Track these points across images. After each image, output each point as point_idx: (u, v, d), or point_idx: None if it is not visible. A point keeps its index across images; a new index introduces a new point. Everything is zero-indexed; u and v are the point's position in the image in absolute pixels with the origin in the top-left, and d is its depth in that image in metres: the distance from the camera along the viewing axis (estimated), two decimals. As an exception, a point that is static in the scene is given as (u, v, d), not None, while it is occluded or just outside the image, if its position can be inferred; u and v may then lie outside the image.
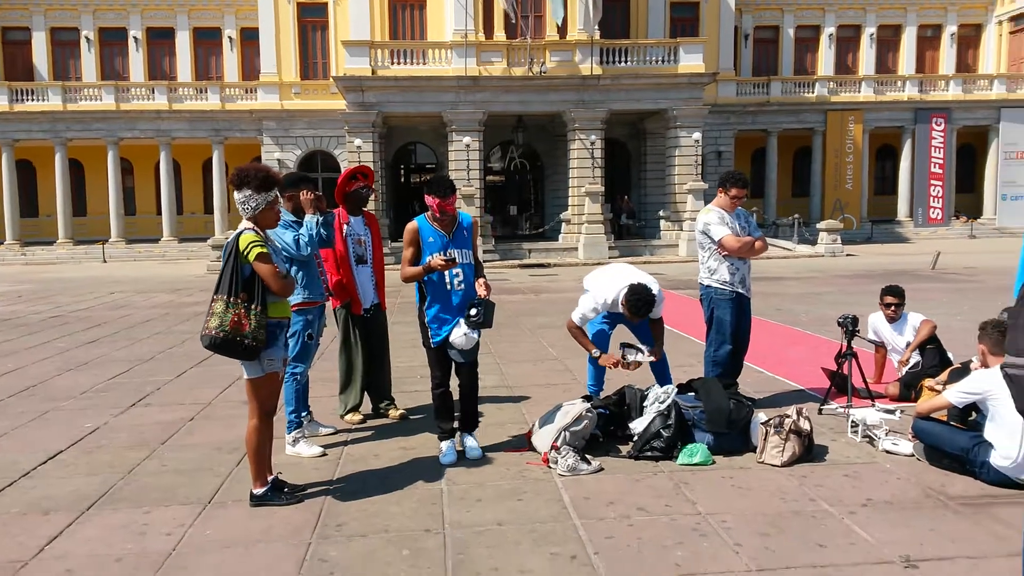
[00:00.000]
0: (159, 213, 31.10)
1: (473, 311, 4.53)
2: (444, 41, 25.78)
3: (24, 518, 4.03)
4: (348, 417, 5.73)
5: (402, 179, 31.54)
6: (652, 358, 5.42)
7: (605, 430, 5.05)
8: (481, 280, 4.65)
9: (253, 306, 3.86)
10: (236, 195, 3.99)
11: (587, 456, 4.63)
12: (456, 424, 4.95)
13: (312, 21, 29.75)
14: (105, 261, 28.13)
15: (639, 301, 5.12)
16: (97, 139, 29.91)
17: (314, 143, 30.21)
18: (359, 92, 24.63)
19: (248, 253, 3.87)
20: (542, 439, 4.78)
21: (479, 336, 4.71)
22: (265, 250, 3.90)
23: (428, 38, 27.32)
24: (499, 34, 25.63)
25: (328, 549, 3.58)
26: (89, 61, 31.84)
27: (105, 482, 4.54)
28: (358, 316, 5.67)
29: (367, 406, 5.95)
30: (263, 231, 4.03)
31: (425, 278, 4.64)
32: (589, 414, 4.83)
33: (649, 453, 4.71)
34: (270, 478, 4.17)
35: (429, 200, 4.62)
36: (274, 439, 4.24)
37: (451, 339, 4.61)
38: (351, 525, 3.85)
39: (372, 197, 5.80)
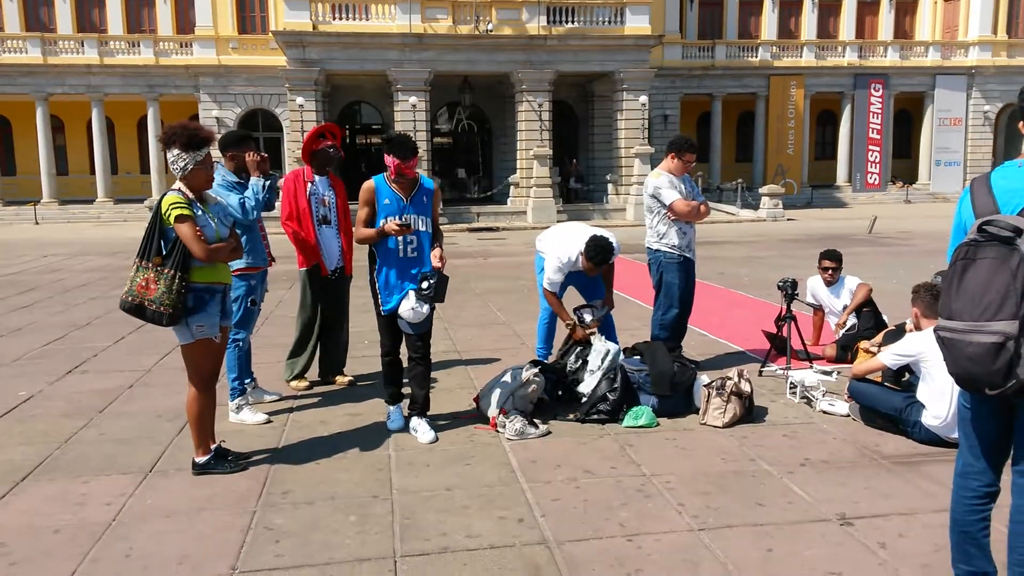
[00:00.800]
0: (93, 173, 29.88)
1: (425, 284, 4.33)
2: (389, -4, 25.13)
3: (-47, 491, 3.88)
4: (294, 383, 5.64)
5: (347, 139, 30.91)
6: (607, 308, 5.51)
7: (552, 394, 5.10)
8: (436, 251, 4.44)
9: (166, 270, 3.71)
10: (167, 155, 3.84)
11: (535, 420, 4.67)
12: (405, 396, 4.75)
13: (250, -28, 28.67)
14: (37, 223, 27.00)
15: (600, 249, 5.16)
16: (24, 95, 28.46)
17: (254, 101, 29.31)
18: (300, 48, 23.92)
19: (168, 215, 3.73)
20: (490, 404, 4.80)
21: (430, 310, 4.45)
22: (187, 211, 3.73)
23: (373, -6, 26.57)
24: (445, -10, 25.10)
25: (274, 517, 3.54)
26: (11, 11, 30.09)
27: (40, 452, 4.40)
28: (319, 279, 5.50)
29: (314, 373, 5.85)
30: (195, 192, 3.88)
31: (378, 242, 4.45)
32: (536, 378, 4.86)
33: (595, 416, 4.77)
34: (213, 446, 4.10)
35: (388, 160, 4.35)
36: (218, 406, 4.17)
37: (400, 312, 4.41)
38: (297, 492, 3.82)
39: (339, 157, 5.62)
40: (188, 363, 3.95)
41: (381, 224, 4.35)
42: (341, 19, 24.46)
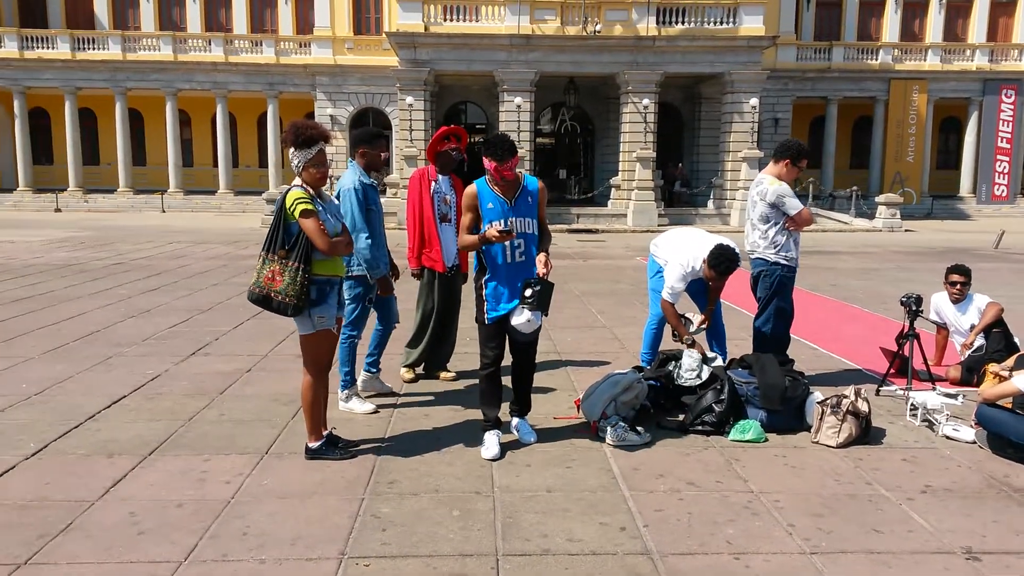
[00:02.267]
0: (215, 165, 31.62)
1: (528, 292, 4.12)
2: (498, -2, 25.41)
3: (89, 460, 4.18)
4: (403, 372, 5.79)
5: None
6: (705, 325, 5.40)
7: (655, 401, 5.02)
8: (542, 256, 4.22)
9: (291, 263, 3.87)
10: (289, 153, 4.02)
11: (637, 427, 4.60)
12: (503, 411, 4.56)
13: (366, -25, 29.60)
14: (164, 211, 28.78)
15: (725, 259, 5.02)
16: (155, 90, 30.39)
17: (366, 99, 30.25)
18: (411, 49, 24.49)
19: (293, 210, 3.89)
20: (591, 407, 4.76)
21: (541, 319, 4.25)
22: (311, 207, 3.89)
23: (483, -5, 26.94)
24: (555, -9, 25.16)
25: (380, 506, 3.64)
26: (148, 11, 32.18)
27: (167, 428, 4.68)
28: (435, 275, 5.66)
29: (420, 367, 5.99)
30: (314, 188, 4.03)
31: (483, 248, 4.25)
32: (639, 384, 4.80)
33: (700, 427, 4.67)
34: (325, 433, 4.25)
35: (487, 163, 4.18)
36: (329, 394, 4.32)
37: (513, 323, 4.20)
38: (403, 483, 3.91)
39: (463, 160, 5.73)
40: (306, 352, 4.11)
41: (484, 230, 4.16)
42: (452, 20, 24.91)
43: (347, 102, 30.17)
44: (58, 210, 28.72)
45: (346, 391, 5.12)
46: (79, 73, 30.05)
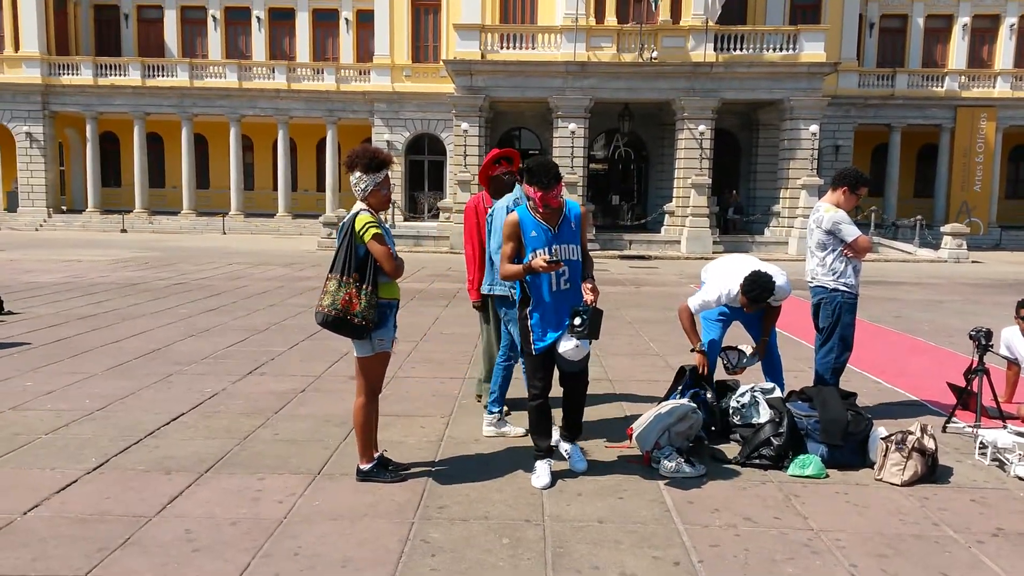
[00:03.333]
0: (275, 189, 32.48)
1: (577, 320, 4.02)
2: (554, 25, 25.64)
3: (147, 475, 4.26)
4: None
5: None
6: (757, 358, 5.29)
7: (710, 432, 4.91)
8: (588, 284, 4.13)
9: (364, 286, 3.94)
10: (350, 177, 4.07)
11: (691, 459, 4.50)
12: (555, 438, 4.51)
13: (425, 4, 30.22)
14: (224, 233, 29.63)
15: (756, 285, 5.00)
16: (220, 115, 31.45)
17: (422, 126, 30.76)
18: (468, 76, 24.84)
19: (364, 234, 3.95)
20: (645, 437, 4.67)
21: (590, 346, 4.19)
22: (380, 231, 3.97)
23: (538, 22, 27.26)
24: (610, 18, 25.27)
25: (430, 530, 3.62)
26: (215, 40, 33.42)
27: (223, 447, 4.76)
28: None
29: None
30: (378, 211, 4.10)
31: (528, 278, 4.16)
32: (695, 415, 4.69)
33: (757, 460, 4.54)
34: (376, 455, 4.27)
35: (530, 191, 4.06)
36: (385, 416, 4.34)
37: (560, 351, 4.12)
38: (452, 508, 3.89)
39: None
40: (362, 373, 4.14)
41: (529, 259, 4.07)
42: (508, 48, 25.20)
43: (403, 128, 30.72)
44: (124, 231, 29.83)
45: (495, 414, 5.11)
46: (148, 99, 31.32)
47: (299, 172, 34.00)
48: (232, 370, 6.84)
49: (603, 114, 26.39)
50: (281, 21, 33.56)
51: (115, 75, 31.41)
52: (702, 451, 4.73)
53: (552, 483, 4.23)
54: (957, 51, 31.73)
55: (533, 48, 25.27)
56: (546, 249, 4.06)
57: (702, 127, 24.70)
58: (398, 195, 30.21)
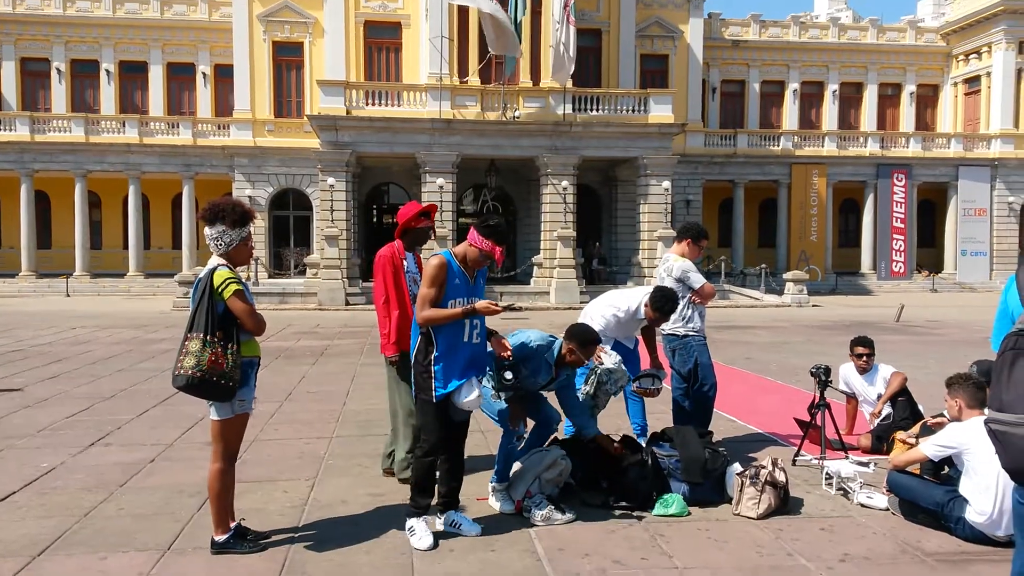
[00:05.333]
0: (126, 247, 30.61)
1: (509, 374, 4.21)
2: (419, 84, 26.03)
3: (-31, 565, 3.81)
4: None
5: (374, 219, 31.51)
6: (663, 375, 5.57)
7: (583, 478, 4.96)
8: (498, 339, 4.28)
9: (230, 345, 3.76)
10: (208, 230, 3.89)
11: (561, 505, 4.54)
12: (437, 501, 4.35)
13: (288, 60, 29.92)
14: (69, 295, 27.50)
15: (667, 299, 5.36)
16: (65, 171, 29.49)
17: (287, 180, 30.12)
18: (333, 131, 24.69)
19: (223, 290, 3.78)
20: (516, 487, 4.68)
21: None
22: (240, 287, 3.82)
23: (403, 80, 27.60)
24: (473, 79, 25.97)
25: (293, 601, 3.43)
26: (59, 93, 31.52)
27: (60, 526, 4.34)
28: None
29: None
30: (237, 266, 3.95)
31: (439, 327, 4.09)
32: (563, 460, 4.74)
33: (623, 503, 4.63)
34: (232, 524, 4.01)
35: (485, 244, 4.10)
36: (243, 483, 4.10)
37: (462, 400, 4.09)
38: (316, 575, 3.70)
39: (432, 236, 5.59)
40: (220, 437, 3.91)
41: (471, 304, 4.07)
42: (374, 105, 25.29)
43: (266, 183, 29.96)
44: (-49, 295, 27.09)
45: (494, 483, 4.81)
46: (-18, 154, 28.96)
47: (152, 229, 32.25)
48: (73, 442, 6.28)
49: (471, 169, 26.88)
50: (133, 74, 32.16)
51: (-58, 127, 28.91)
52: (572, 496, 4.78)
53: (436, 544, 4.08)
54: (789, 114, 34.84)
55: (399, 105, 25.51)
56: (465, 299, 4.12)
57: (565, 183, 25.64)
58: (262, 251, 29.27)
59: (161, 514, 4.55)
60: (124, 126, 30.06)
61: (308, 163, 28.24)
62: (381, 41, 28.55)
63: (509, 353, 4.26)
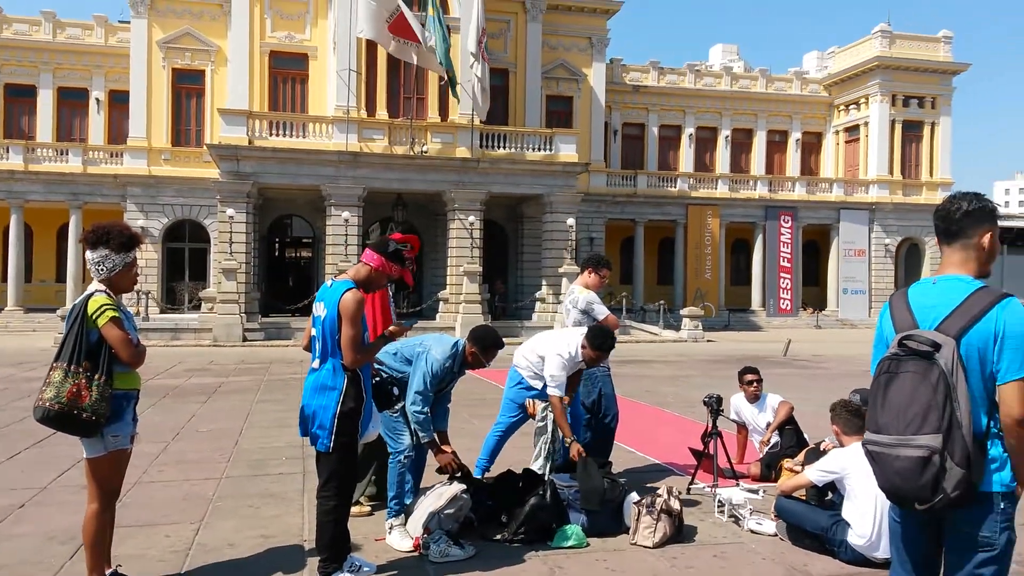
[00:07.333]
0: (4, 280, 28.61)
1: (396, 390, 4.20)
2: (326, 116, 25.76)
3: None
4: (355, 509, 4.81)
5: (276, 253, 30.73)
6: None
7: (484, 513, 4.92)
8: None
9: (97, 376, 3.52)
10: (90, 254, 3.67)
11: (461, 540, 4.48)
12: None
13: (188, 88, 29.09)
14: (-68, 329, 25.41)
15: (608, 336, 5.27)
16: (-64, 198, 27.48)
17: (183, 211, 29.02)
18: (234, 161, 24.03)
19: (98, 317, 3.56)
20: (414, 523, 4.59)
21: None
22: (117, 315, 3.60)
23: (309, 112, 27.25)
24: (382, 112, 25.93)
25: (173, 651, 3.22)
26: (-63, 116, 29.52)
27: (-93, 581, 3.95)
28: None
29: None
30: (118, 294, 3.74)
31: (357, 369, 3.87)
32: (464, 496, 4.69)
33: (523, 535, 4.61)
34: (108, 571, 3.76)
35: (395, 270, 4.08)
36: (122, 528, 3.85)
37: (370, 431, 3.97)
38: (201, 623, 3.51)
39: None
40: (94, 477, 3.66)
41: (388, 330, 4.11)
42: (278, 135, 24.83)
43: (161, 213, 28.77)
44: None
45: (389, 520, 4.63)
46: None
47: (35, 261, 30.30)
48: (-71, 488, 5.76)
49: (377, 203, 26.68)
50: (19, 98, 30.41)
51: None
52: (472, 532, 4.72)
53: None
54: (686, 157, 36.39)
55: (305, 136, 25.13)
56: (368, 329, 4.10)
57: (472, 218, 25.80)
58: (154, 285, 27.97)
59: (30, 563, 4.22)
60: (8, 151, 28.33)
61: (207, 193, 27.33)
62: (287, 72, 28.18)
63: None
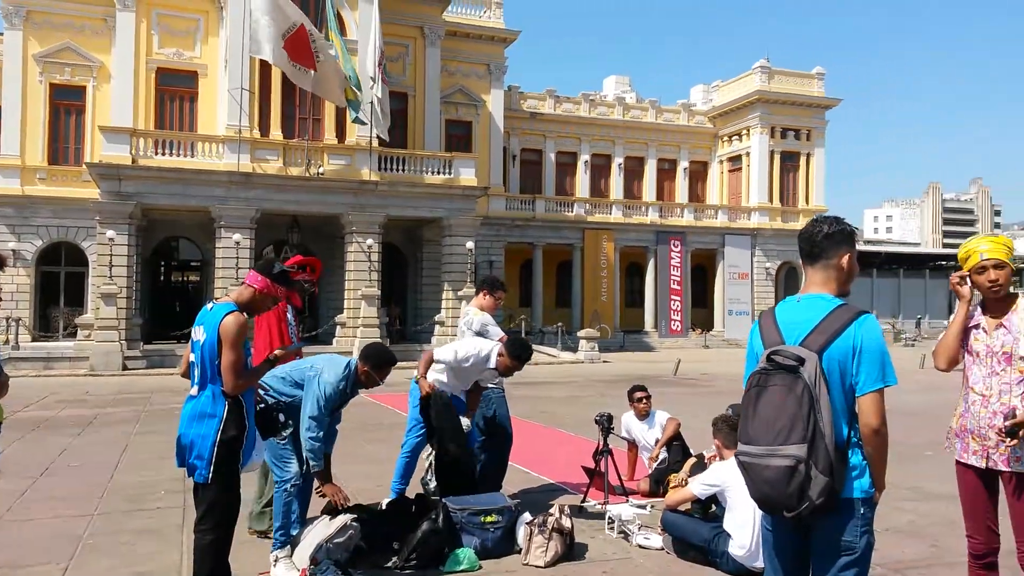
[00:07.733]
0: None
1: (283, 416, 4.13)
2: (216, 135, 24.96)
3: None
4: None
5: (161, 276, 29.35)
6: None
7: (377, 540, 4.82)
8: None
9: None
10: None
11: (350, 570, 4.37)
12: None
13: (67, 104, 27.50)
14: None
15: (525, 347, 5.31)
16: None
17: (59, 233, 27.29)
18: (116, 181, 22.86)
19: None
20: (301, 554, 4.45)
21: None
22: None
23: (199, 131, 26.32)
24: (276, 133, 25.36)
25: None
26: None
27: None
28: None
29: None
30: None
31: (242, 395, 3.72)
32: (354, 524, 4.59)
33: (416, 562, 4.56)
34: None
35: (280, 291, 3.92)
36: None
37: (254, 459, 3.85)
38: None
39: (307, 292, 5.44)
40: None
41: (273, 353, 4.03)
42: (165, 155, 23.82)
43: (35, 235, 26.96)
44: None
45: (274, 552, 4.41)
46: None
47: None
48: None
49: (271, 225, 25.96)
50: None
51: None
52: (363, 560, 4.62)
53: None
54: (582, 182, 37.32)
55: (193, 156, 24.21)
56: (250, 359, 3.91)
57: (370, 241, 25.49)
58: (27, 311, 26.14)
59: None
60: None
61: (85, 214, 25.79)
62: (175, 89, 27.15)
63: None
